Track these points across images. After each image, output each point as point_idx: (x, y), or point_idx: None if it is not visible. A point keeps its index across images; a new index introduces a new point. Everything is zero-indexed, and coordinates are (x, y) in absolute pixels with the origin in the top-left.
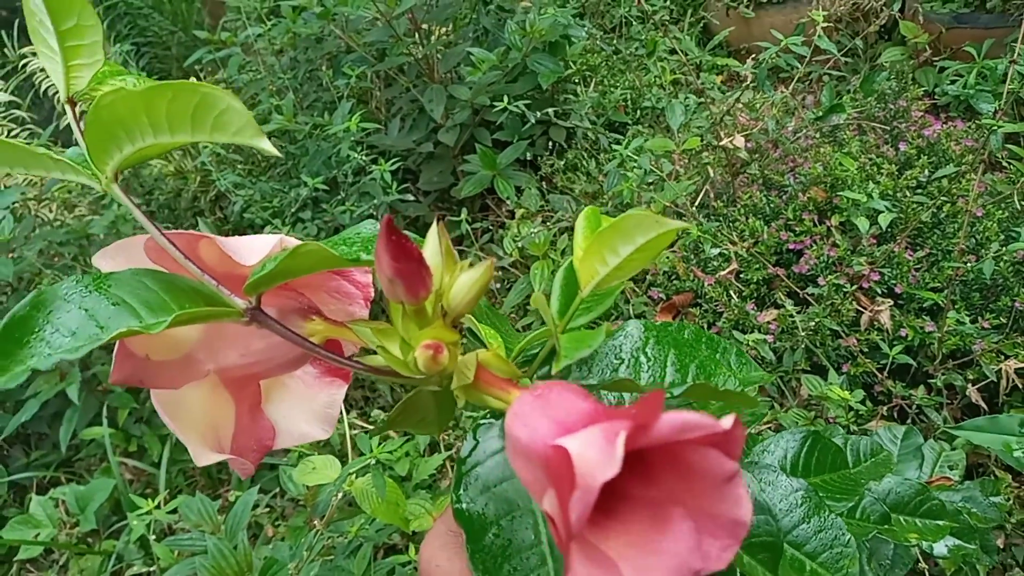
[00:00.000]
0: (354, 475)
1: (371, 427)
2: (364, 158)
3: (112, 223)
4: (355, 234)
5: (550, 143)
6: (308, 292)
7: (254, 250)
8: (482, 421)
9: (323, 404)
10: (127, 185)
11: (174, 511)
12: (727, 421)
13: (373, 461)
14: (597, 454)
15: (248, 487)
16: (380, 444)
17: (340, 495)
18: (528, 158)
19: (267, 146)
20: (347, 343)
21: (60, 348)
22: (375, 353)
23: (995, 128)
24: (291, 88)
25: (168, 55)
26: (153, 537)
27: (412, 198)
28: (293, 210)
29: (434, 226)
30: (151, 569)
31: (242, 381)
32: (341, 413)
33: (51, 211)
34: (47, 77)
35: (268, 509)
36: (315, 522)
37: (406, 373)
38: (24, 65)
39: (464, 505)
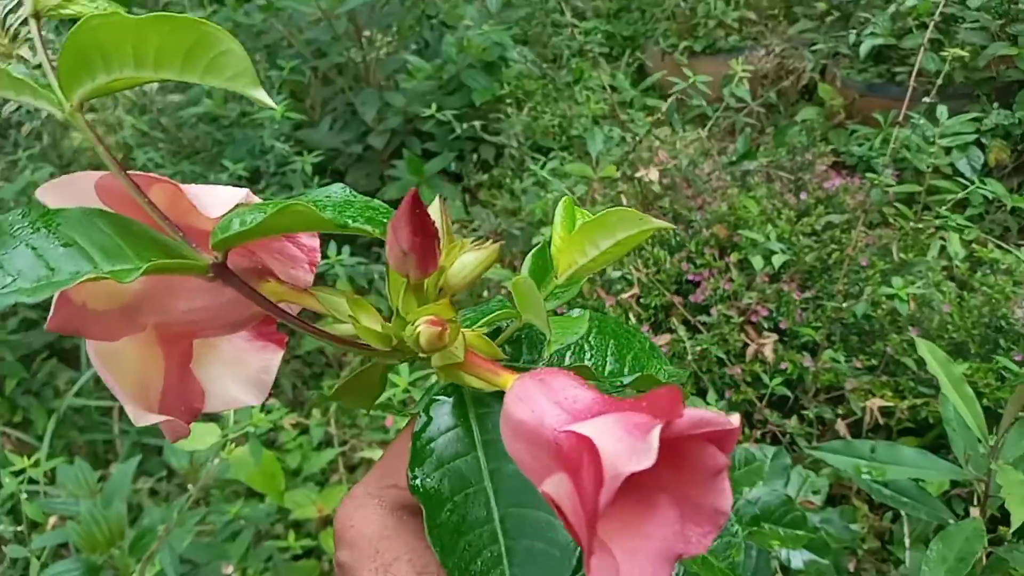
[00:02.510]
0: (233, 444)
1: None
2: (288, 149)
3: (23, 189)
4: (325, 196)
5: (477, 158)
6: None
7: (219, 202)
8: (436, 398)
9: (257, 369)
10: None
11: (52, 482)
12: (735, 419)
13: (252, 429)
14: (626, 445)
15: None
16: (260, 417)
17: (217, 463)
18: (455, 171)
19: (263, 96)
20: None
21: (11, 289)
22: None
23: (877, 183)
24: None
25: None
26: (25, 496)
27: None
28: None
29: (437, 202)
30: (19, 528)
31: (177, 338)
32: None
33: None
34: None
35: (152, 493)
36: (190, 486)
37: (379, 346)
38: None
39: (419, 481)
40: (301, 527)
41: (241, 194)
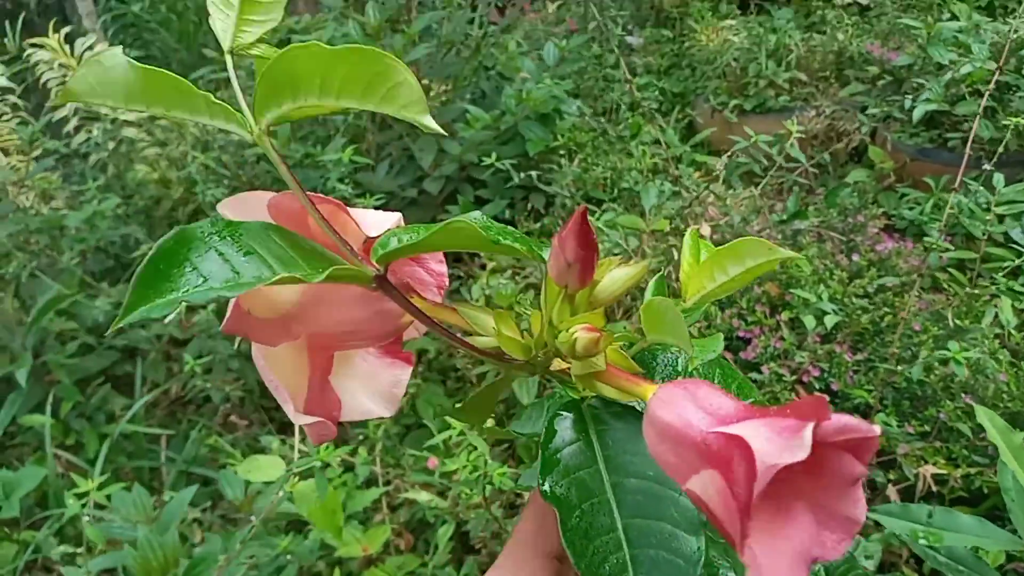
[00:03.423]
0: (297, 477)
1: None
2: (350, 190)
3: (89, 218)
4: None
5: (529, 207)
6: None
7: (376, 223)
8: (559, 413)
9: (388, 383)
10: (119, 184)
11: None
12: (876, 428)
13: (318, 464)
14: (776, 442)
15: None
16: (330, 450)
17: (281, 495)
18: (507, 218)
19: (431, 123)
20: (409, 329)
21: (205, 288)
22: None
23: (934, 247)
24: None
25: (169, 70)
26: (87, 519)
27: None
28: None
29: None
30: (78, 550)
31: (323, 348)
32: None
33: (28, 200)
34: (49, 68)
35: (197, 522)
36: (253, 518)
37: (520, 356)
38: (27, 56)
39: (549, 487)
40: (343, 564)
41: (395, 218)
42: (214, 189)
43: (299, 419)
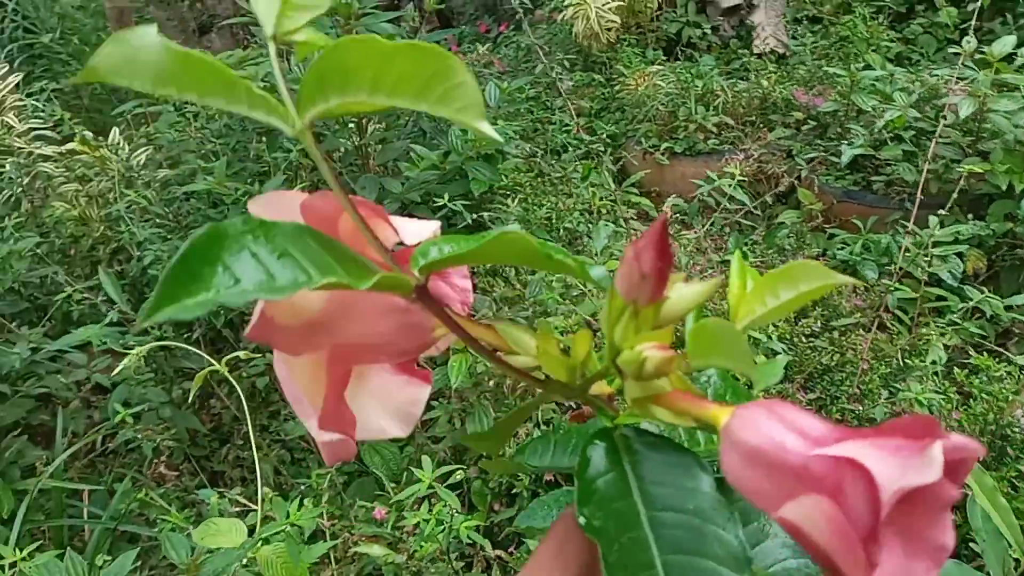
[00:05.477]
0: (259, 543)
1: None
2: None
3: (4, 258)
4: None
5: None
6: None
7: (415, 232)
8: (593, 442)
9: (404, 402)
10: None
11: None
12: (983, 447)
13: (288, 527)
14: (895, 463)
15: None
16: (300, 513)
17: (239, 564)
18: None
19: (488, 130)
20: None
21: (236, 290)
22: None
23: (892, 289)
24: (222, 154)
25: (78, 103)
26: None
27: None
28: None
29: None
30: None
31: (344, 361)
32: (257, 480)
33: None
34: None
35: None
36: None
37: (563, 378)
38: None
39: (586, 519)
40: None
41: (433, 227)
42: (146, 229)
43: (322, 436)
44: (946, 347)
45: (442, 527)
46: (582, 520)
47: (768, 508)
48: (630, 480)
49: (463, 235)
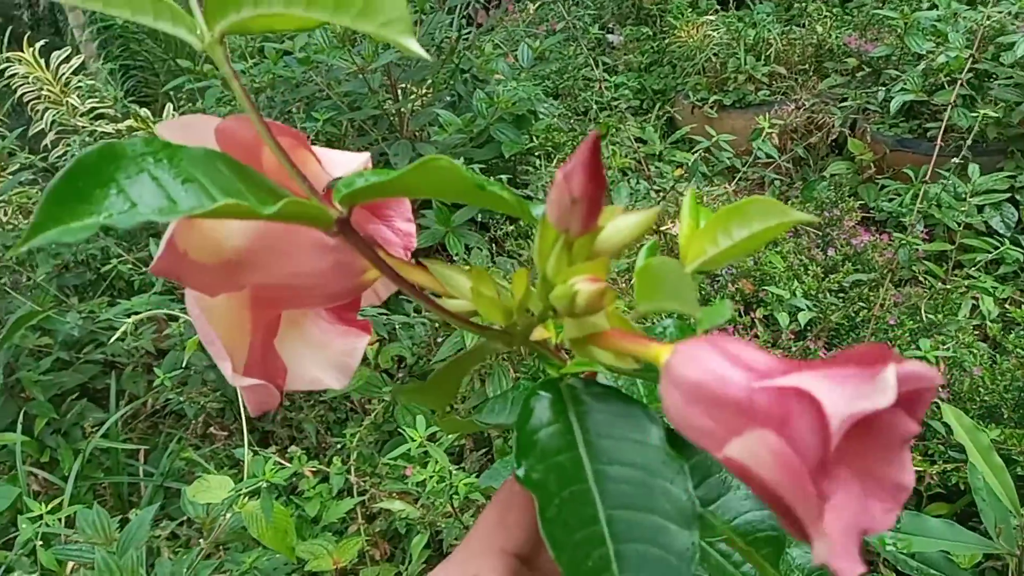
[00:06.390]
0: (246, 498)
1: (288, 464)
2: None
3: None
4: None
5: None
6: None
7: (342, 163)
8: (537, 392)
9: (340, 351)
10: None
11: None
12: (940, 376)
13: (264, 483)
14: (845, 391)
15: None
16: (275, 470)
17: (229, 516)
18: (482, 220)
19: (414, 46)
20: (368, 293)
21: (131, 213)
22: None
23: (905, 242)
24: None
25: (156, 80)
26: (40, 543)
27: None
28: None
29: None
30: None
31: (269, 304)
32: (246, 439)
33: (6, 214)
34: (25, 82)
35: (171, 536)
36: (201, 541)
37: (499, 321)
38: (3, 70)
39: (525, 472)
40: None
41: (363, 159)
42: None
43: (237, 380)
44: (999, 302)
45: (444, 484)
46: (520, 472)
47: (713, 448)
48: (575, 432)
49: (388, 169)
